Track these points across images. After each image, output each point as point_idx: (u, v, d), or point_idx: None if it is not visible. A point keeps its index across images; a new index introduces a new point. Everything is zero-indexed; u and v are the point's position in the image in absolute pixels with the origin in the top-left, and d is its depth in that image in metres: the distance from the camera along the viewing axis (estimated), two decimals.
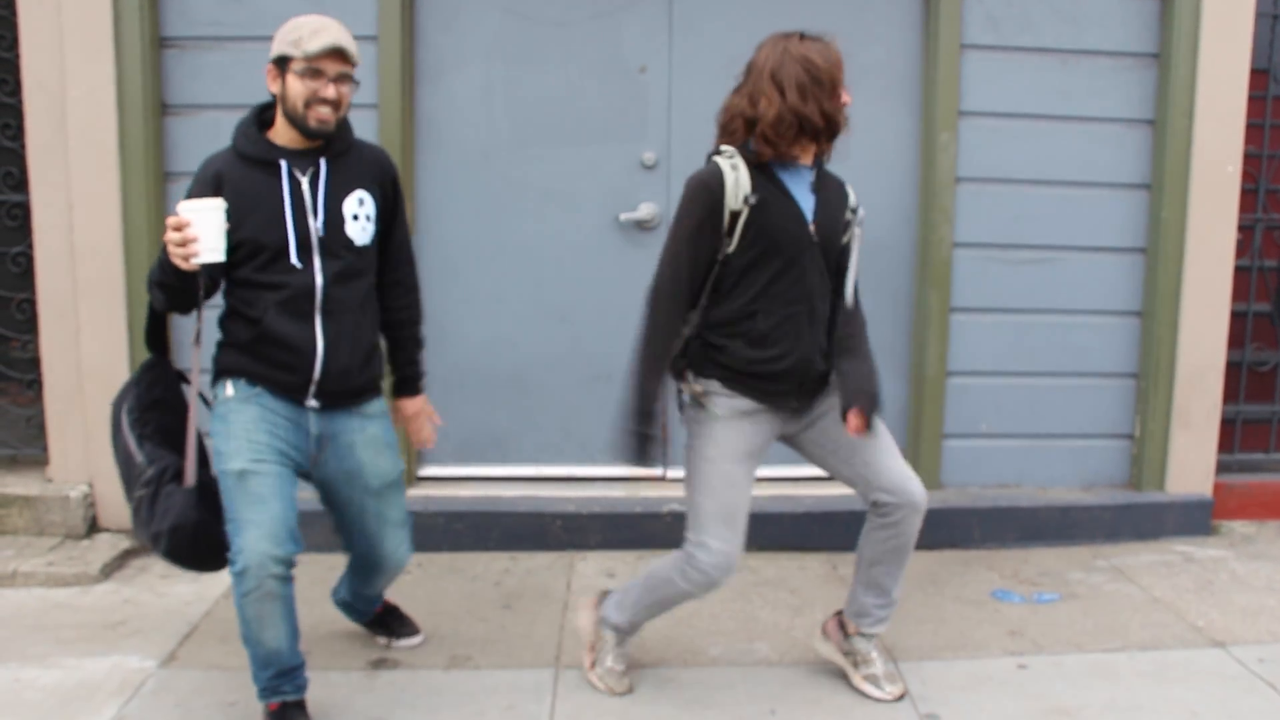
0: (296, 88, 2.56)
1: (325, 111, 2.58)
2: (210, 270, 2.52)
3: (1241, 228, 4.21)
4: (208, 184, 2.59)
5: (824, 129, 2.58)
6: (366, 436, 2.77)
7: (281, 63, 2.58)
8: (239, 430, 2.60)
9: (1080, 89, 4.11)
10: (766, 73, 2.55)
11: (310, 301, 2.62)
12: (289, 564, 2.50)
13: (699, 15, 4.07)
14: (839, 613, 3.00)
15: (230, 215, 2.48)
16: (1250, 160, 4.22)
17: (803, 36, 2.59)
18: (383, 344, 2.87)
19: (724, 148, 2.63)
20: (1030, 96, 4.10)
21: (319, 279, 2.62)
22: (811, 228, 2.63)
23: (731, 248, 2.59)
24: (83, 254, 3.88)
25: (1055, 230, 4.17)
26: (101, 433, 3.93)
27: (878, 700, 2.89)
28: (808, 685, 2.98)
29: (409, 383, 2.98)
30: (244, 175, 2.61)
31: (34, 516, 3.95)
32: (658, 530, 4.02)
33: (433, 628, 3.37)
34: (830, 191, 2.70)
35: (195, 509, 2.56)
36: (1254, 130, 4.20)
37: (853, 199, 2.77)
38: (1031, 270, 4.18)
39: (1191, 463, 4.24)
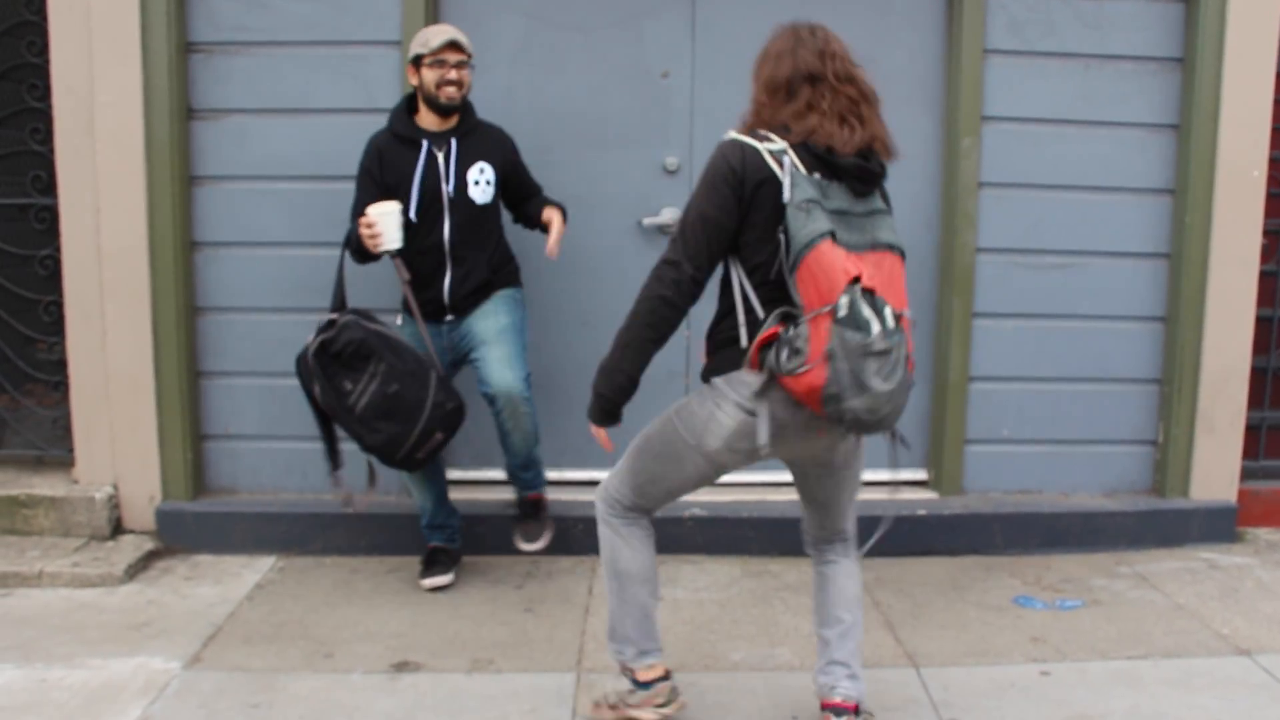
0: (428, 75, 3.42)
1: (451, 90, 3.43)
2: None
3: (1266, 232, 4.18)
4: (374, 156, 3.51)
5: None
6: (481, 311, 3.59)
7: (416, 61, 3.43)
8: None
9: (1104, 94, 4.09)
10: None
11: (441, 249, 3.49)
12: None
13: (721, 20, 4.08)
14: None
15: (388, 178, 3.46)
16: (1276, 165, 4.20)
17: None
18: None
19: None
20: (1053, 101, 4.09)
21: (447, 231, 3.48)
22: None
23: None
24: (109, 257, 3.91)
25: (1079, 235, 4.16)
26: (127, 433, 3.98)
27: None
28: None
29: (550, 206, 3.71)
30: (396, 150, 3.49)
31: (60, 517, 3.99)
32: (679, 534, 4.02)
33: (454, 631, 3.39)
34: None
35: None
36: None
37: None
38: (1055, 275, 4.17)
39: (1215, 469, 4.21)
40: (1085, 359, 4.22)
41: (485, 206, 3.56)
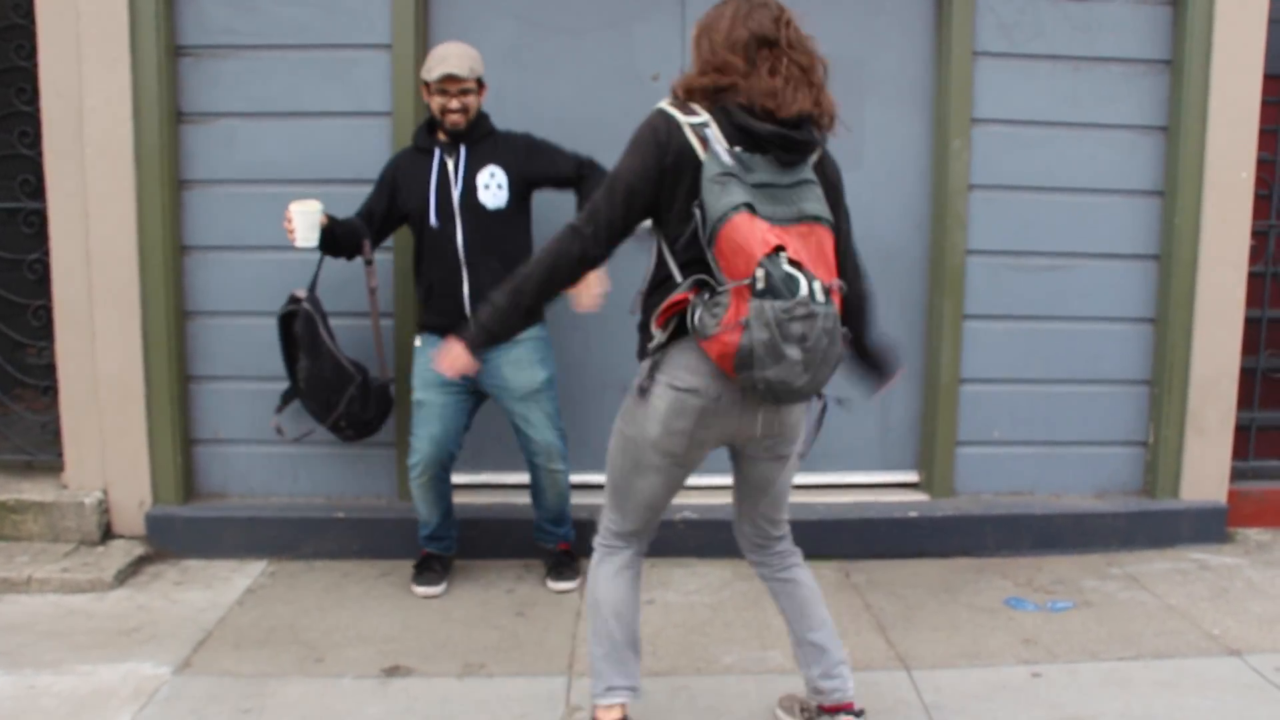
0: (433, 102, 3.53)
1: (455, 117, 3.52)
2: (341, 239, 3.53)
3: (1255, 233, 4.19)
4: (392, 166, 3.66)
5: None
6: (511, 357, 3.57)
7: (426, 84, 3.53)
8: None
9: (1093, 96, 4.10)
10: None
11: (456, 255, 3.53)
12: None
13: None
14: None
15: (403, 189, 3.60)
16: (1264, 166, 4.21)
17: None
18: None
19: None
20: (1043, 103, 4.10)
21: (460, 236, 3.52)
22: None
23: None
24: (98, 261, 3.90)
25: (1068, 237, 4.16)
26: (117, 438, 3.97)
27: None
28: None
29: None
30: (414, 161, 3.62)
31: (49, 523, 3.97)
32: (671, 537, 4.01)
33: (445, 636, 3.38)
34: None
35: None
36: (1267, 136, 4.18)
37: None
38: (1045, 277, 4.17)
39: (1206, 470, 4.22)
40: (1076, 360, 4.23)
41: (499, 211, 3.55)
